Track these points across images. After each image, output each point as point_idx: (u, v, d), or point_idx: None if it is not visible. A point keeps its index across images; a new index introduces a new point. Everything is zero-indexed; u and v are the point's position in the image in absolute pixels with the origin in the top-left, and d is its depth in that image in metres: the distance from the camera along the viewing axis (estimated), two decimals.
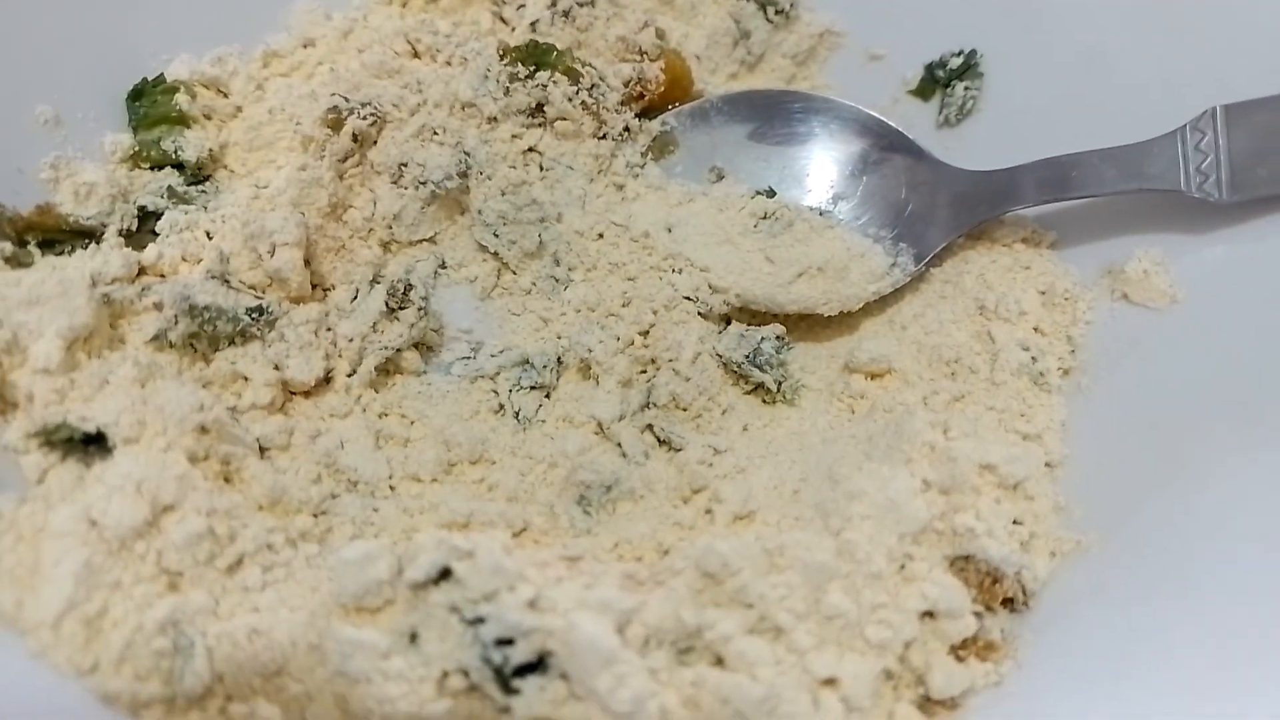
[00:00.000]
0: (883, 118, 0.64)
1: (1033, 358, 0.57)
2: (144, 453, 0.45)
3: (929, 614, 0.46)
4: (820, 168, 0.64)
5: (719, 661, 0.42)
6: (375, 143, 0.61)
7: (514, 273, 0.62)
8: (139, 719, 0.41)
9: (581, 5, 0.65)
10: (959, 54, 0.67)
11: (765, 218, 0.61)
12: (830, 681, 0.42)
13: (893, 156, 0.63)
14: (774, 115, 0.65)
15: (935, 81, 0.68)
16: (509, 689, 0.41)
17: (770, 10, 0.69)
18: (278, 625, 0.43)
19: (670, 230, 0.62)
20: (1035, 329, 0.59)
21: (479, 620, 0.41)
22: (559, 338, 0.60)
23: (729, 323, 0.60)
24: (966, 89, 0.67)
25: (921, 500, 0.47)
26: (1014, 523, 0.50)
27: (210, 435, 0.48)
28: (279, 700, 0.42)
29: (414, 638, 0.42)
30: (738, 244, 0.61)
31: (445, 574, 0.43)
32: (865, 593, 0.45)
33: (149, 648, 0.41)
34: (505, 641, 0.41)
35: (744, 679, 0.41)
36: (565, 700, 0.41)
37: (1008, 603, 0.49)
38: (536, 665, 0.41)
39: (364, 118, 0.59)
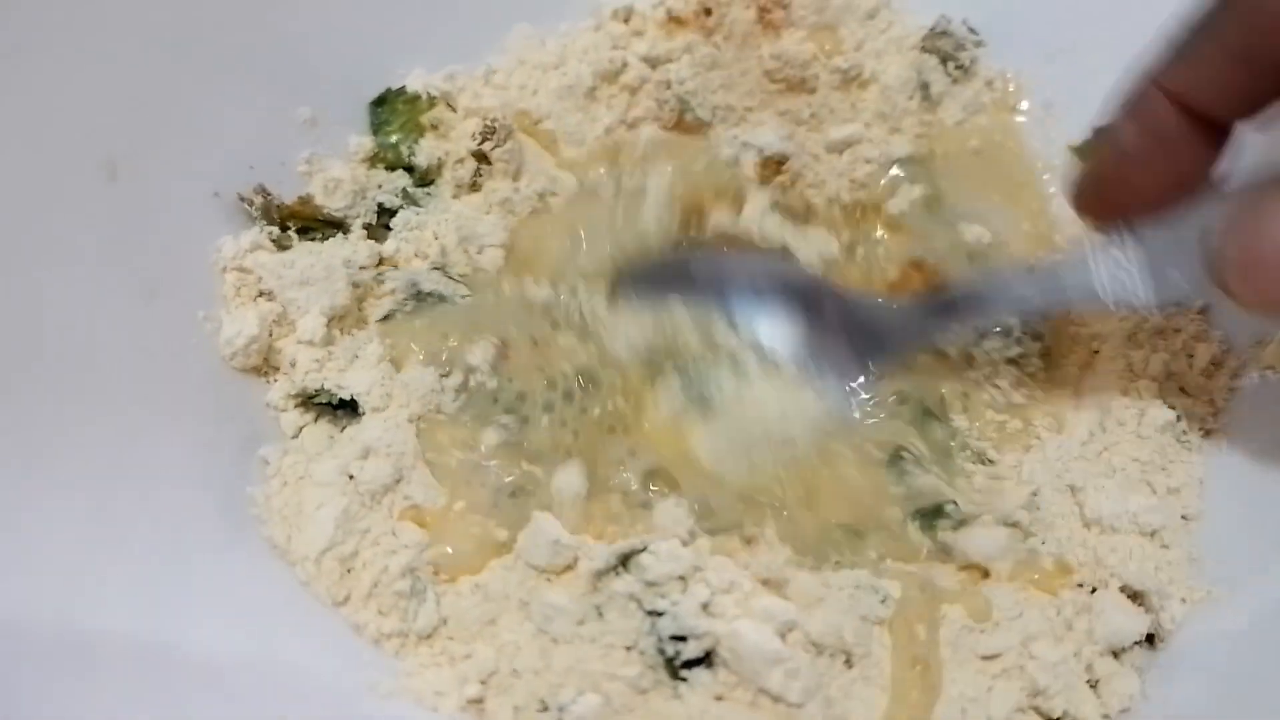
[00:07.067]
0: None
1: (1177, 416, 0.61)
2: (391, 420, 0.53)
3: None
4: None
5: None
6: None
7: None
8: (379, 647, 0.49)
9: None
10: None
11: None
12: None
13: (801, 298, 0.62)
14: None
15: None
16: (677, 677, 0.47)
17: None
18: (493, 581, 0.50)
19: None
20: (1181, 389, 0.63)
21: (657, 613, 0.47)
22: None
23: None
24: None
25: None
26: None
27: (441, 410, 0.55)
28: (493, 645, 0.49)
29: (600, 612, 0.48)
30: None
31: (624, 562, 0.49)
32: None
33: (391, 589, 0.49)
34: (679, 638, 0.46)
35: None
36: (735, 687, 0.46)
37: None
38: (704, 659, 0.47)
39: None
